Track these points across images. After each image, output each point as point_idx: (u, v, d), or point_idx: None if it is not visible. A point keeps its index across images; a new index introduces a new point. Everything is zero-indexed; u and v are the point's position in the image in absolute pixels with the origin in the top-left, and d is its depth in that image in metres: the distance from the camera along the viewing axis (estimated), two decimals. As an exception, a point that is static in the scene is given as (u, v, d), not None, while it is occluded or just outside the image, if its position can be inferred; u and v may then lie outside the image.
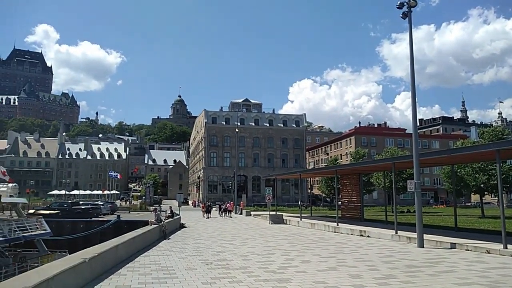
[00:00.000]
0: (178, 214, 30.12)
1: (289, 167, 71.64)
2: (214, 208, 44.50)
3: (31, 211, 34.77)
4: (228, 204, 41.12)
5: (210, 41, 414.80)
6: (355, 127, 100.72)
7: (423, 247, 14.87)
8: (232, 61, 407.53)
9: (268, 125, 75.82)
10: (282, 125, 76.44)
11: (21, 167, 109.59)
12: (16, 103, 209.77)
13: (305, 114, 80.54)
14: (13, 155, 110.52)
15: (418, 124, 18.36)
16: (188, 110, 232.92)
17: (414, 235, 15.74)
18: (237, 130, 61.74)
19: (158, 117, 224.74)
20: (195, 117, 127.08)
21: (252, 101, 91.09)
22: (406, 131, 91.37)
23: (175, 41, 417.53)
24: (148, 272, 10.49)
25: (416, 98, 16.14)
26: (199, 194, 74.97)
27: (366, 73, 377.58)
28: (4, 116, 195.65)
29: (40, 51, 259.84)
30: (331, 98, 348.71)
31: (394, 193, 20.13)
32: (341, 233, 21.60)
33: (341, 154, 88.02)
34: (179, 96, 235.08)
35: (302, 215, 30.91)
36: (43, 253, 24.06)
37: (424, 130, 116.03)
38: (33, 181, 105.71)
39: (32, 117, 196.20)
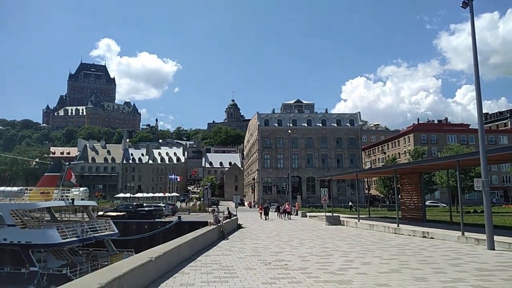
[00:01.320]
0: (235, 215, 30.72)
1: (344, 168, 70.15)
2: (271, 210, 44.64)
3: (100, 213, 36.83)
4: (286, 206, 40.11)
5: (260, 44, 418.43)
6: (414, 124, 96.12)
7: (493, 249, 13.91)
8: (282, 62, 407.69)
9: (321, 125, 74.84)
10: (335, 125, 75.06)
11: (90, 172, 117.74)
12: (84, 113, 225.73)
13: (359, 112, 78.39)
14: (82, 161, 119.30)
15: (483, 118, 17.17)
16: (241, 114, 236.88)
17: (483, 236, 14.76)
18: (289, 131, 61.64)
19: (213, 121, 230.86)
20: (248, 120, 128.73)
21: (304, 102, 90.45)
22: (470, 127, 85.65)
23: (227, 47, 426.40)
24: (209, 271, 10.86)
25: (481, 91, 15.17)
26: (254, 195, 75.79)
27: (423, 68, 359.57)
28: (74, 125, 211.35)
29: (103, 64, 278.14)
30: (386, 95, 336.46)
31: (460, 192, 19.01)
32: (402, 234, 20.80)
33: (399, 153, 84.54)
34: (232, 100, 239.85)
35: (360, 216, 30.15)
36: (112, 252, 25.62)
37: (490, 125, 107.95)
38: (101, 185, 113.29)
39: (98, 125, 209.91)
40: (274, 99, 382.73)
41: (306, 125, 74.61)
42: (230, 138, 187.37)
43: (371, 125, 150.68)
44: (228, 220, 25.10)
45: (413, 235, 19.85)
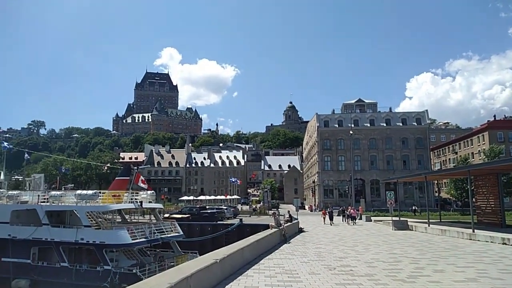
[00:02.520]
0: (296, 219, 30.40)
1: (411, 169, 66.65)
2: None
3: (166, 215, 38.38)
4: (352, 210, 37.51)
5: (318, 44, 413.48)
6: (488, 121, 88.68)
7: None
8: (342, 62, 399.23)
9: (385, 125, 71.86)
10: (401, 124, 71.63)
11: (156, 176, 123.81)
12: (150, 120, 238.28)
13: (426, 110, 73.97)
14: (149, 166, 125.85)
15: None
16: (300, 116, 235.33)
17: None
18: (351, 132, 59.92)
19: (272, 124, 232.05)
20: (307, 122, 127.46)
21: (366, 101, 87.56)
22: (555, 122, 77.33)
23: (285, 49, 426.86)
24: (273, 275, 10.77)
25: None
26: (315, 198, 74.71)
27: (497, 60, 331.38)
28: (141, 131, 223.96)
29: (167, 72, 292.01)
30: (456, 91, 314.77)
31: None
32: (479, 240, 19.19)
33: (472, 153, 78.59)
34: (290, 103, 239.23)
35: (430, 220, 28.38)
36: (178, 253, 26.55)
37: None
38: (166, 188, 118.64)
39: (163, 131, 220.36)
40: (333, 99, 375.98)
41: (368, 125, 72.11)
42: (288, 141, 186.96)
43: (440, 123, 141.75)
44: (289, 223, 24.89)
45: (491, 242, 18.24)
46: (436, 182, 64.83)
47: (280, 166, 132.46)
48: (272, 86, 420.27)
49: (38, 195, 26.04)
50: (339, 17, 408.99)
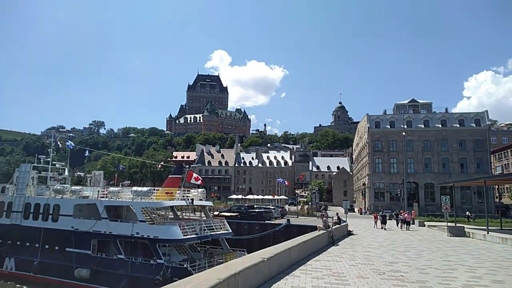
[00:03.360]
0: (345, 221, 29.93)
1: (469, 173, 62.88)
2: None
3: (216, 213, 39.24)
4: (406, 214, 35.18)
5: (369, 43, 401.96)
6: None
7: None
8: (394, 61, 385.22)
9: (440, 126, 68.34)
10: (458, 125, 67.78)
11: (207, 175, 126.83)
12: (201, 120, 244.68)
13: (486, 111, 69.35)
14: (200, 165, 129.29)
15: None
16: (350, 116, 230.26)
17: None
18: (404, 133, 57.75)
19: (320, 124, 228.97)
20: (357, 122, 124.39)
21: (420, 101, 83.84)
22: None
23: (334, 48, 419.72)
24: (320, 276, 10.76)
25: None
26: (365, 201, 72.82)
27: None
28: (193, 132, 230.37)
29: (217, 74, 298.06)
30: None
31: None
32: (546, 252, 17.81)
33: (539, 156, 72.68)
34: (340, 103, 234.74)
35: (490, 228, 26.71)
36: (226, 250, 27.11)
37: None
38: (216, 187, 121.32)
39: (213, 131, 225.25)
40: (385, 100, 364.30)
41: (422, 126, 68.99)
42: (337, 142, 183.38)
43: (502, 124, 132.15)
44: (337, 225, 24.59)
45: (561, 254, 16.85)
46: (497, 187, 60.73)
47: (328, 168, 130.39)
48: (321, 86, 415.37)
49: (98, 191, 27.77)
50: (389, 14, 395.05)
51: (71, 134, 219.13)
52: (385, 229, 32.17)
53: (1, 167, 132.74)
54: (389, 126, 70.35)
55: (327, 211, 49.26)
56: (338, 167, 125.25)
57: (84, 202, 27.13)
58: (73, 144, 44.80)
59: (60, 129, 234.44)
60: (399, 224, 34.78)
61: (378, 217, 34.69)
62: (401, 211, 39.46)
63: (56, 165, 36.97)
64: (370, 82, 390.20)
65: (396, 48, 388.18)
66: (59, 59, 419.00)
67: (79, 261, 24.68)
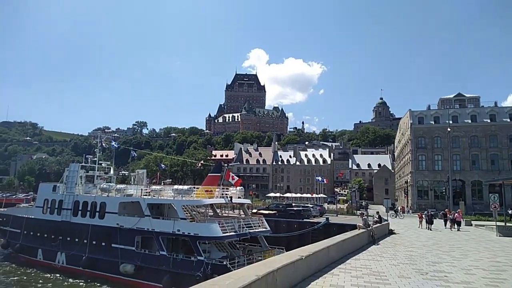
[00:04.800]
0: (386, 220, 29.21)
1: (521, 170, 59.29)
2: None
3: (254, 211, 39.51)
4: (456, 214, 32.20)
5: (412, 35, 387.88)
6: None
7: None
8: (438, 54, 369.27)
9: (489, 121, 64.81)
10: (508, 120, 63.98)
11: (245, 173, 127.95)
12: (239, 119, 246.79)
13: (541, 104, 65.19)
14: (238, 163, 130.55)
15: None
16: (391, 112, 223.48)
17: None
18: (449, 129, 55.27)
19: (360, 121, 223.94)
20: (399, 118, 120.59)
21: (467, 95, 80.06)
22: None
23: (373, 42, 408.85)
24: (359, 275, 10.61)
25: None
26: (407, 200, 70.52)
27: None
28: (231, 131, 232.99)
29: (254, 73, 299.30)
30: None
31: None
32: None
33: None
34: (381, 99, 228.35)
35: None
36: (265, 248, 27.22)
37: None
38: (254, 185, 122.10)
39: (251, 130, 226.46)
40: (428, 95, 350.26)
41: (469, 121, 65.75)
42: (378, 139, 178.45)
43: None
44: (378, 224, 24.03)
45: None
46: (554, 185, 56.62)
47: (369, 165, 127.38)
48: (360, 82, 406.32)
49: (141, 189, 28.76)
50: (431, 5, 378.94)
51: (116, 135, 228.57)
52: (431, 229, 30.20)
53: (53, 167, 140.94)
54: (433, 122, 67.64)
55: (368, 210, 48.28)
56: (379, 165, 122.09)
57: (128, 200, 28.17)
58: (115, 145, 46.39)
59: (106, 130, 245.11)
60: (448, 224, 32.22)
61: (423, 216, 32.50)
62: (446, 210, 37.61)
63: (102, 164, 38.65)
64: (413, 76, 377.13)
65: (440, 41, 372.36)
66: (105, 63, 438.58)
67: (124, 257, 25.69)
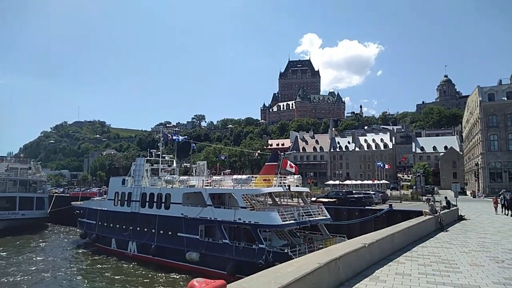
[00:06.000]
0: (455, 205, 27.58)
1: None
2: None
3: (313, 199, 39.17)
4: None
5: (476, 6, 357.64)
6: None
7: None
8: (508, 24, 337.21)
9: None
10: None
11: (302, 161, 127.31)
12: (294, 107, 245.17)
13: None
14: (295, 151, 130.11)
15: None
16: (457, 90, 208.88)
17: None
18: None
19: (423, 102, 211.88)
20: (466, 96, 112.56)
21: (545, 67, 72.43)
22: None
23: (434, 16, 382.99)
24: (427, 263, 10.17)
25: None
26: (478, 183, 65.91)
27: None
28: (286, 119, 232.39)
29: (308, 58, 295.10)
30: None
31: None
32: None
33: None
34: (445, 76, 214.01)
35: None
36: (326, 236, 26.99)
37: None
38: (312, 173, 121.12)
39: (306, 117, 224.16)
40: (499, 69, 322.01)
41: (548, 95, 59.69)
42: (444, 119, 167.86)
43: None
44: (446, 210, 22.78)
45: None
46: None
47: (434, 148, 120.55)
48: (422, 59, 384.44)
49: (203, 180, 29.74)
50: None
51: (176, 129, 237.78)
52: (508, 214, 27.47)
53: (121, 162, 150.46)
54: (505, 98, 62.25)
55: (437, 195, 45.79)
56: (445, 147, 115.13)
57: (191, 190, 29.28)
58: (181, 138, 47.61)
59: (167, 125, 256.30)
60: None
61: (499, 200, 29.83)
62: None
63: (166, 157, 40.49)
64: (480, 50, 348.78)
65: (509, 10, 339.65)
66: (162, 59, 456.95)
67: (189, 245, 26.86)
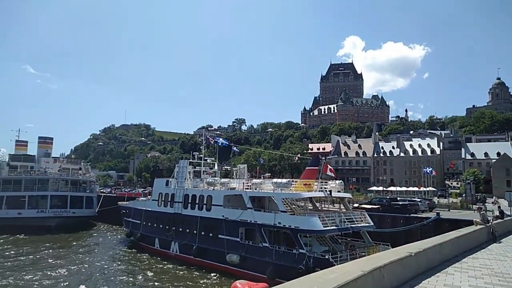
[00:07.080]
0: (509, 215, 25.94)
1: None
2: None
3: (355, 205, 38.31)
4: None
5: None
6: None
7: None
8: None
9: None
10: None
11: (343, 166, 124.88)
12: (335, 111, 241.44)
13: None
14: (336, 156, 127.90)
15: None
16: (511, 93, 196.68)
17: None
18: None
19: (474, 105, 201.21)
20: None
21: None
22: None
23: (486, 15, 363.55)
24: (479, 276, 9.61)
25: None
26: (536, 192, 61.50)
27: None
28: (327, 123, 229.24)
29: (350, 61, 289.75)
30: None
31: None
32: None
33: None
34: (498, 79, 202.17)
35: None
36: (368, 244, 26.24)
37: None
38: (354, 178, 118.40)
39: (348, 121, 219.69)
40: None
41: None
42: (496, 124, 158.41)
43: None
44: (499, 220, 21.45)
45: None
46: None
47: (486, 154, 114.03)
48: (472, 61, 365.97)
49: (243, 183, 29.98)
50: None
51: (217, 132, 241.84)
52: None
53: (164, 164, 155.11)
54: None
55: (486, 204, 43.34)
56: (498, 154, 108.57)
57: (232, 193, 29.59)
58: (225, 142, 46.83)
59: (209, 128, 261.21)
60: None
61: None
62: None
63: (207, 160, 41.24)
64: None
65: None
66: (202, 64, 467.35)
67: (230, 247, 27.09)
